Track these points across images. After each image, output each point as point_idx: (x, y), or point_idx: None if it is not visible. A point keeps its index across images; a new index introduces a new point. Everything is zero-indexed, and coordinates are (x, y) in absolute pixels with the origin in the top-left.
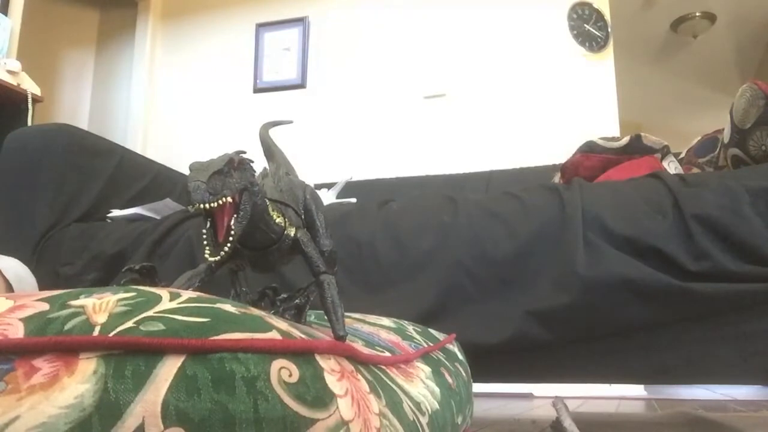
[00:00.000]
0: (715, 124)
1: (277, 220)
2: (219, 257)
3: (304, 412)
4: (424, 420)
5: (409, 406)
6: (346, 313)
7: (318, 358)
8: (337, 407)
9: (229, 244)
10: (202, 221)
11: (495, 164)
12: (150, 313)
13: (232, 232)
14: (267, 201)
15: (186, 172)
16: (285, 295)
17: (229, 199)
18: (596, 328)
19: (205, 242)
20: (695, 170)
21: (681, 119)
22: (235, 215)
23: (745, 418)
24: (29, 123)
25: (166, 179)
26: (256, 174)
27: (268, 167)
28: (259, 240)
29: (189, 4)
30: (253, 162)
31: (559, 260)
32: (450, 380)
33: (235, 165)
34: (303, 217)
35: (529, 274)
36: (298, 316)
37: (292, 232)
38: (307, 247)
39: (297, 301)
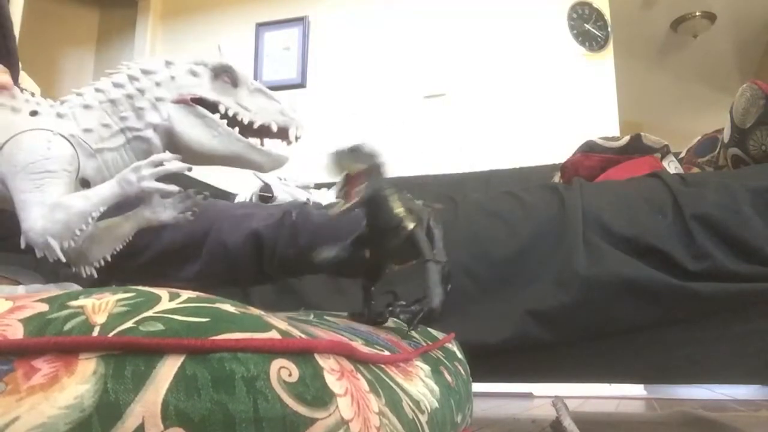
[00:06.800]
0: (715, 124)
1: (397, 210)
2: (346, 207)
3: (304, 412)
4: (423, 418)
5: (408, 404)
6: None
7: (317, 357)
8: (337, 406)
9: (356, 200)
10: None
11: (495, 164)
12: (149, 313)
13: (360, 192)
14: (394, 191)
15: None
16: (403, 302)
17: (364, 167)
18: (596, 328)
19: (336, 197)
20: (695, 170)
21: (681, 119)
22: (366, 182)
23: (745, 417)
24: None
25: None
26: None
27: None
28: (383, 218)
29: (189, 4)
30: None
31: (559, 260)
32: (449, 379)
33: (369, 149)
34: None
35: (529, 273)
36: (410, 321)
37: (410, 225)
38: (419, 238)
39: (413, 307)
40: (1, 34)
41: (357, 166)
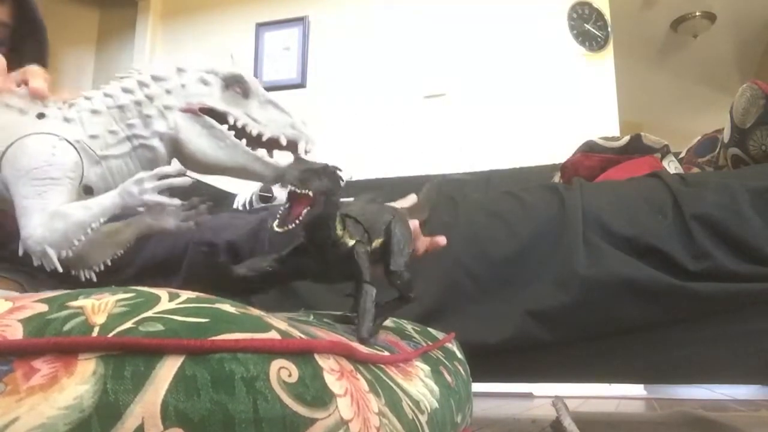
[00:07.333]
0: (715, 124)
1: (338, 230)
2: (283, 230)
3: (304, 412)
4: (423, 418)
5: (408, 404)
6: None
7: (317, 357)
8: (337, 407)
9: (296, 224)
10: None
11: (495, 164)
12: (149, 313)
13: (301, 218)
14: (338, 214)
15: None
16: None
17: (310, 194)
18: (596, 328)
19: (278, 215)
20: (695, 170)
21: (681, 119)
22: (308, 208)
23: (745, 417)
24: None
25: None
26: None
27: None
28: (320, 237)
29: (189, 4)
30: (342, 172)
31: (559, 260)
32: (449, 379)
33: (327, 172)
34: (376, 236)
35: (529, 273)
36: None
37: (349, 241)
38: (359, 257)
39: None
40: (36, 40)
41: (317, 187)
